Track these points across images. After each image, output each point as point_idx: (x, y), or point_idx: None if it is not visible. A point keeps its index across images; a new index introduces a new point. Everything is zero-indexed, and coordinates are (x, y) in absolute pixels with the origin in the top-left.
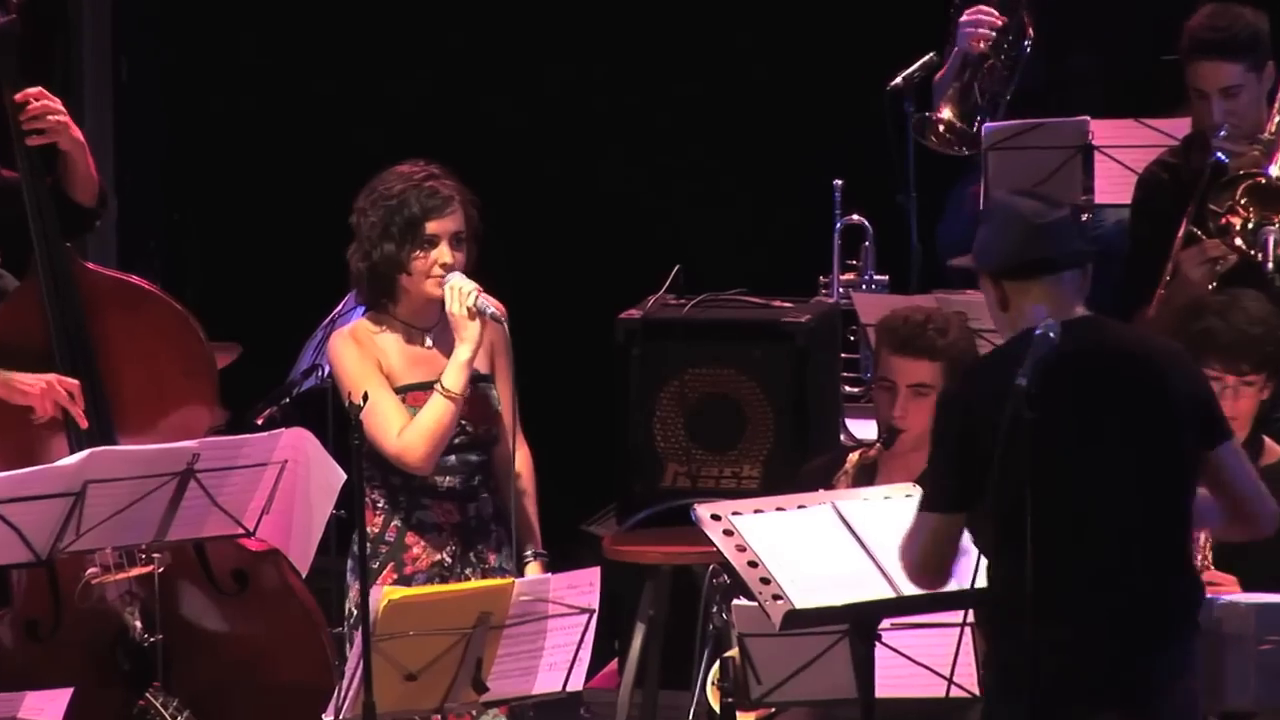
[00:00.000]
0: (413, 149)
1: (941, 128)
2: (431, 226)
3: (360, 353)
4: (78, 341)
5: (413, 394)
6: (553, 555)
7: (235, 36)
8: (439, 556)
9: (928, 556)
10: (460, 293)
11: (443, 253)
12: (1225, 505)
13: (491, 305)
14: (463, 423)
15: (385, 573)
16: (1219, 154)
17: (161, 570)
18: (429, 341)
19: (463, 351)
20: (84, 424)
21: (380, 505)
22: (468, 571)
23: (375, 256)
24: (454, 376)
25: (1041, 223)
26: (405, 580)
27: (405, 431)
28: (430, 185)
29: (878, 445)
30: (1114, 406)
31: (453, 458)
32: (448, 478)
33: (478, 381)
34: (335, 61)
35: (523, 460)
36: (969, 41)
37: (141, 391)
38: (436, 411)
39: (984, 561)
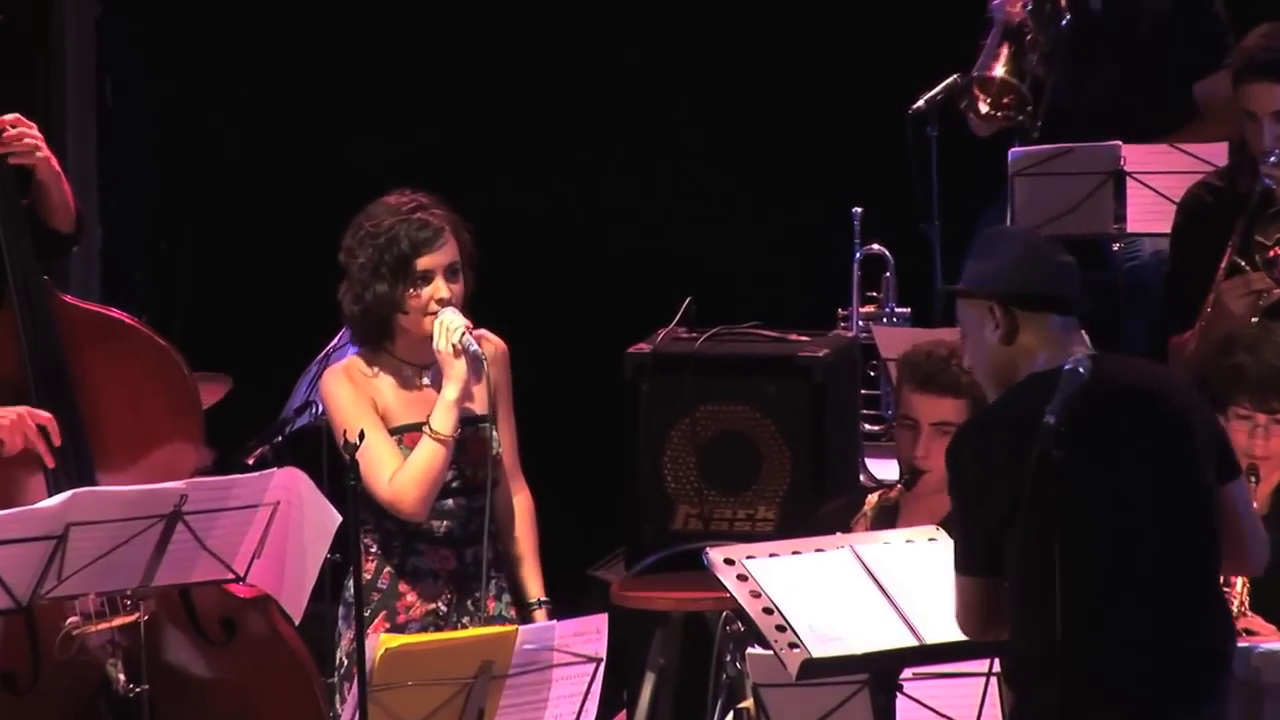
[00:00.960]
0: (411, 175)
1: (995, 87)
2: (424, 262)
3: (354, 391)
4: (55, 377)
5: (409, 435)
6: (558, 601)
7: (225, 58)
8: (433, 605)
9: (973, 618)
10: (447, 329)
11: (438, 288)
12: (1225, 542)
13: (477, 345)
14: (459, 466)
15: (377, 621)
16: (1267, 179)
17: (145, 619)
18: (426, 380)
19: (449, 391)
20: (50, 463)
21: (373, 550)
22: (464, 620)
23: (368, 298)
24: (441, 418)
25: (1060, 260)
26: (398, 629)
27: (396, 476)
28: (419, 218)
29: (899, 486)
30: (1139, 445)
31: (449, 501)
32: (444, 522)
33: (476, 423)
34: (329, 84)
35: (523, 504)
36: (1005, 10)
37: (123, 430)
38: (426, 455)
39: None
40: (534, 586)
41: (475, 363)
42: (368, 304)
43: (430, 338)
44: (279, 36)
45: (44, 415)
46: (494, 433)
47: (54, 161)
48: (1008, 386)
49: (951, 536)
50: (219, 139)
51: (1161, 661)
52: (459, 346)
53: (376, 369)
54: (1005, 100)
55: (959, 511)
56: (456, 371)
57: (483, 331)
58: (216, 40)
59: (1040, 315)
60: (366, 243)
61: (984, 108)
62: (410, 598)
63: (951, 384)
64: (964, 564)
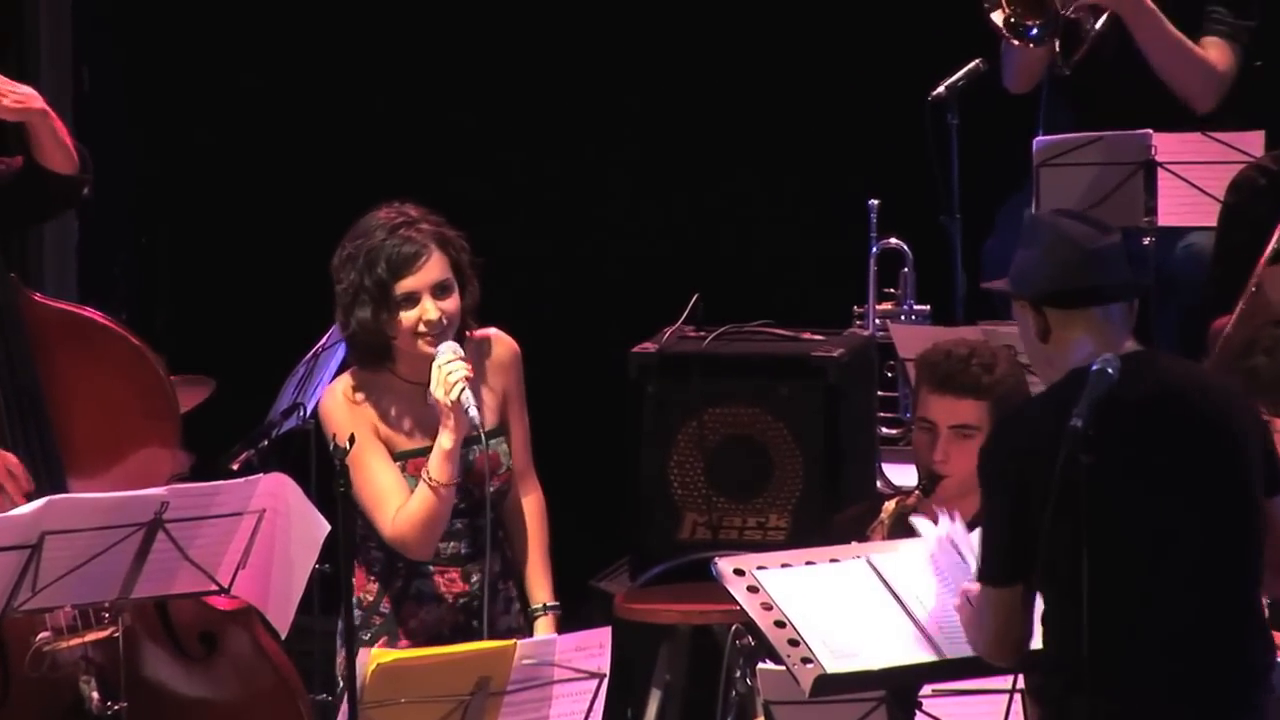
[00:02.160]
0: (406, 169)
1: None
2: (405, 285)
3: (353, 414)
4: (23, 380)
5: (414, 461)
6: (559, 614)
7: (209, 43)
8: (438, 631)
9: (997, 636)
10: (445, 379)
11: (425, 310)
12: (1268, 556)
13: (476, 406)
14: (466, 486)
15: (378, 645)
16: None
17: (121, 633)
18: (432, 398)
19: (445, 440)
20: (21, 502)
21: (375, 570)
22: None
23: (353, 325)
24: (439, 467)
25: (1092, 248)
26: None
27: (398, 517)
28: (400, 235)
29: (917, 493)
30: (1178, 451)
31: (456, 522)
32: (450, 543)
33: (488, 438)
34: (322, 73)
35: (533, 505)
36: None
37: (94, 435)
38: (427, 504)
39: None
40: (540, 591)
41: (509, 363)
42: (354, 331)
43: (427, 357)
44: (266, 17)
45: (13, 459)
46: (506, 445)
47: (34, 100)
48: (1052, 379)
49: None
50: (202, 128)
51: (1195, 676)
52: (457, 404)
53: (377, 390)
54: (1028, 18)
55: (989, 515)
56: (453, 423)
57: (494, 331)
58: (199, 24)
59: (1071, 311)
60: (348, 265)
61: (999, 16)
62: (414, 622)
63: (971, 385)
64: (991, 573)
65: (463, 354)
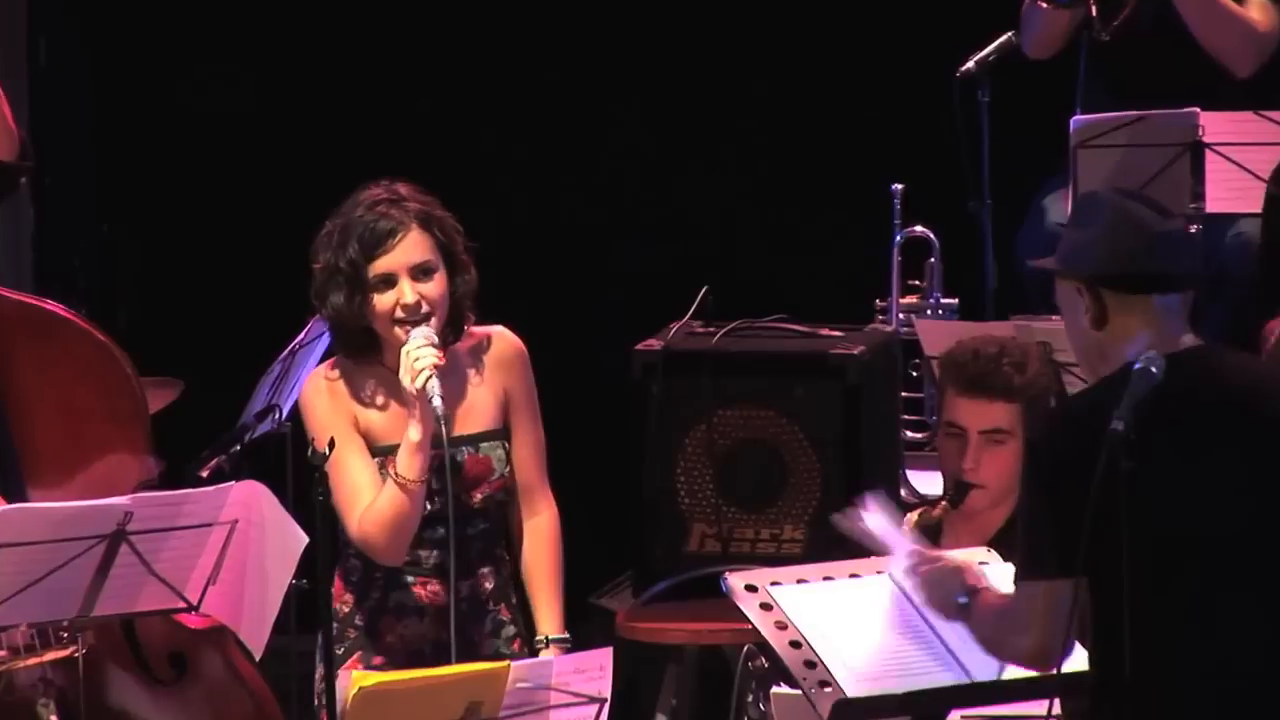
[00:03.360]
0: (393, 155)
1: None
2: (380, 265)
3: (333, 406)
4: None
5: (394, 457)
6: None
7: (181, 11)
8: (418, 647)
9: (1036, 634)
10: (413, 365)
11: (402, 292)
12: None
13: (440, 393)
14: (456, 493)
15: (350, 662)
16: None
17: (84, 653)
18: None
19: (413, 433)
20: None
21: (353, 580)
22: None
23: (328, 311)
24: (406, 463)
25: (1159, 230)
26: (373, 671)
27: (364, 516)
28: (378, 211)
29: (943, 503)
30: (1231, 455)
31: (441, 530)
32: (434, 552)
33: (480, 441)
34: (306, 49)
35: (543, 525)
36: None
37: (56, 439)
38: (394, 502)
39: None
40: (547, 621)
41: (515, 362)
42: (329, 318)
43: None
44: None
45: None
46: (502, 451)
47: None
48: (1101, 372)
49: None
50: (170, 106)
51: (1240, 697)
52: (422, 392)
53: (360, 380)
54: None
55: (1030, 511)
56: (421, 413)
57: (498, 328)
58: None
59: (1135, 297)
60: (324, 246)
61: None
62: (391, 638)
63: (1002, 386)
64: (1037, 566)
65: (435, 340)
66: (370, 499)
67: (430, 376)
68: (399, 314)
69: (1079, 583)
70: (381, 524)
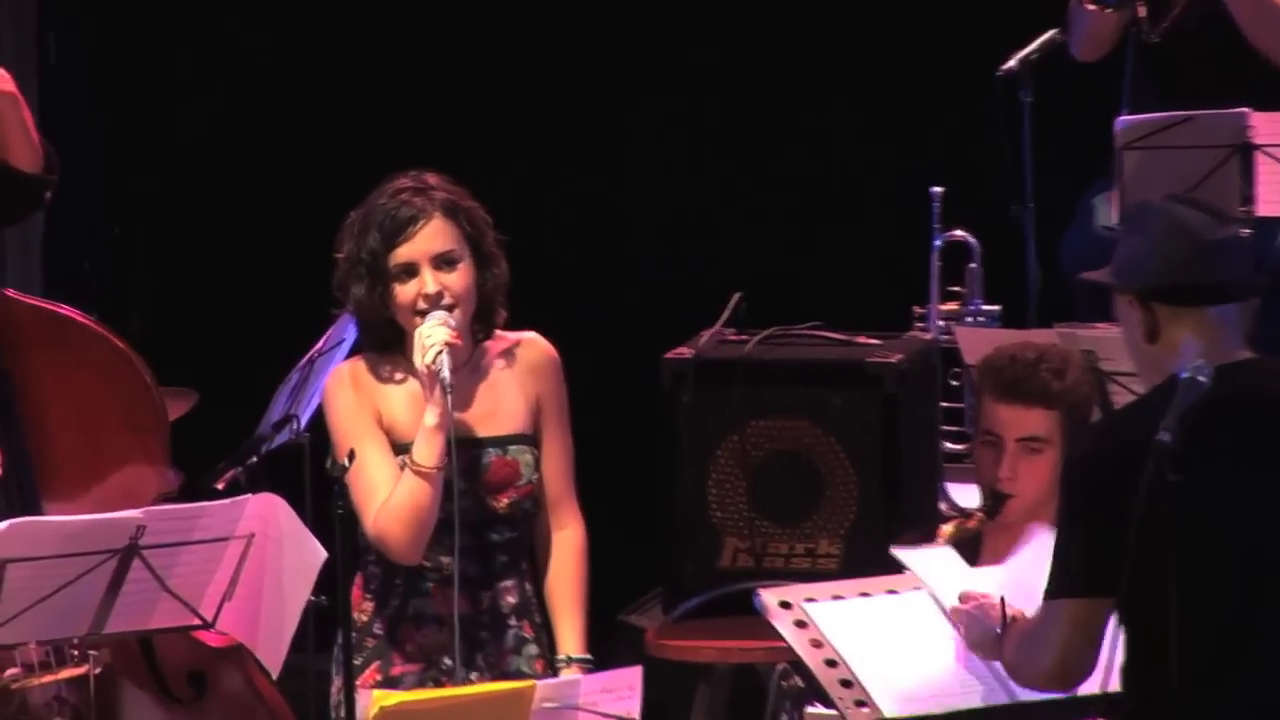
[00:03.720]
0: (416, 157)
1: None
2: (401, 254)
3: (356, 400)
4: None
5: None
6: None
7: (192, 8)
8: (437, 657)
9: (1067, 653)
10: (424, 343)
11: (424, 282)
12: None
13: (449, 369)
14: (479, 494)
15: (368, 673)
16: None
17: (99, 671)
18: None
19: (428, 417)
20: None
21: (372, 588)
22: (473, 677)
23: (350, 305)
24: (421, 448)
25: (1211, 239)
26: (391, 683)
27: (381, 511)
28: (401, 199)
29: (979, 515)
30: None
31: (464, 537)
32: (459, 559)
33: (508, 444)
34: (325, 47)
35: (570, 540)
36: None
37: (72, 449)
38: (410, 491)
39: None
40: (569, 639)
41: (546, 368)
42: (352, 309)
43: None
44: None
45: None
46: (531, 456)
47: (8, 83)
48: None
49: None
50: (183, 105)
51: None
52: (431, 368)
53: (391, 368)
54: None
55: (1066, 525)
56: (436, 394)
57: (530, 334)
58: None
59: (1187, 309)
60: (347, 235)
61: None
62: (410, 647)
63: (1040, 392)
64: (1066, 584)
65: (451, 322)
66: (387, 494)
67: (440, 352)
68: (420, 305)
69: (1101, 605)
70: (398, 517)
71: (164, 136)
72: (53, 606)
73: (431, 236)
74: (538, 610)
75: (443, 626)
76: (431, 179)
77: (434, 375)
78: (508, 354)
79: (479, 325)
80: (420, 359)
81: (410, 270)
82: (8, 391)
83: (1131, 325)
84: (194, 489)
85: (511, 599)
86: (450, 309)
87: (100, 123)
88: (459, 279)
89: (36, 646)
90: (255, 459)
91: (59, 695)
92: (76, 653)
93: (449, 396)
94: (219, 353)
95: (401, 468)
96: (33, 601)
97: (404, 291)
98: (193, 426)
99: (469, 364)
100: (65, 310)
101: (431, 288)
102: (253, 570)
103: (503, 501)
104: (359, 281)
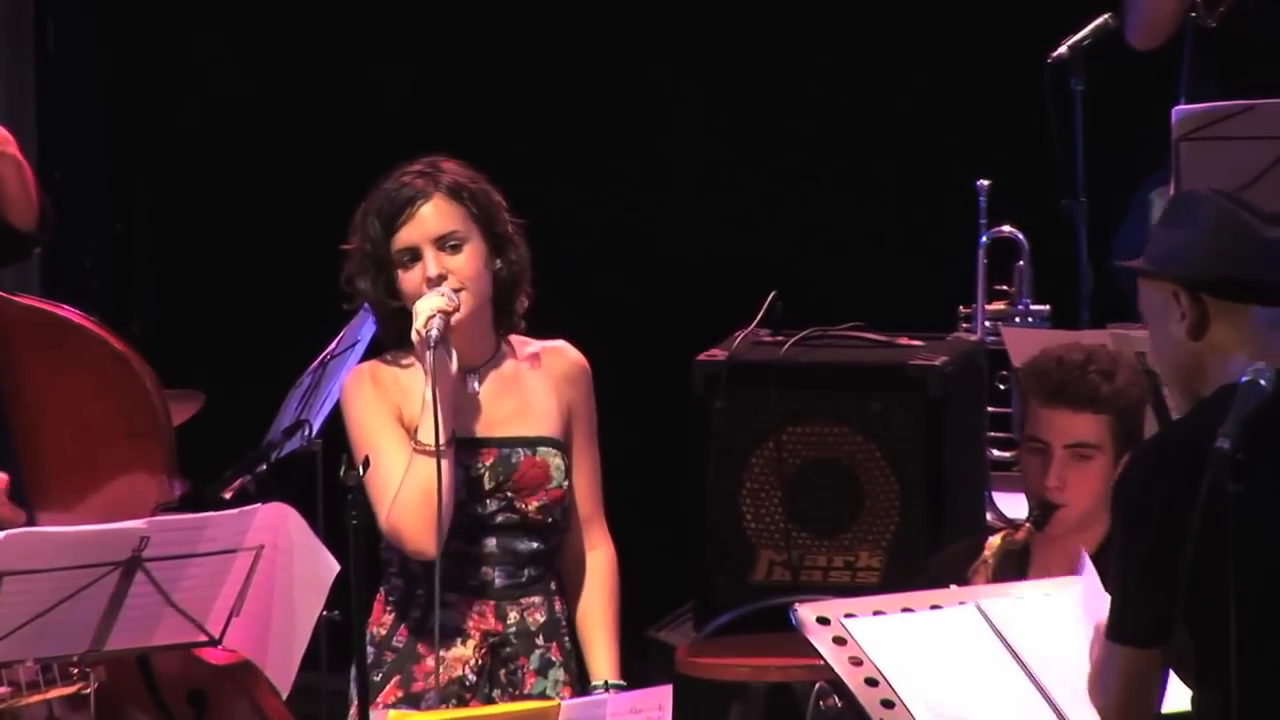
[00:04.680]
0: (436, 148)
1: None
2: (401, 238)
3: (376, 396)
4: None
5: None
6: None
7: None
8: (459, 672)
9: (1124, 699)
10: (417, 312)
11: (429, 264)
12: None
13: (439, 330)
14: (506, 496)
15: (388, 689)
16: None
17: (94, 690)
18: (474, 384)
19: (427, 392)
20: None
21: (393, 599)
22: (495, 694)
23: (359, 300)
24: (424, 425)
25: (1266, 236)
26: (412, 700)
27: (393, 505)
28: (403, 180)
29: (1027, 525)
30: None
31: (492, 541)
32: (484, 568)
33: (538, 445)
34: (337, 34)
35: (601, 561)
36: None
37: (68, 456)
38: (417, 475)
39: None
40: (602, 665)
41: (576, 375)
42: (362, 302)
43: (461, 333)
44: None
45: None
46: (561, 461)
47: (11, 146)
48: (1194, 390)
49: (1109, 593)
50: (188, 95)
51: None
52: (421, 334)
53: (407, 372)
54: None
55: (1123, 559)
56: (431, 365)
57: (561, 343)
58: None
59: (1238, 306)
60: (355, 227)
61: None
62: (431, 661)
63: (1089, 396)
64: (1126, 630)
65: (451, 294)
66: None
67: (433, 318)
68: (425, 290)
69: (1165, 652)
70: (408, 504)
71: (169, 128)
72: (51, 622)
73: (431, 217)
74: (568, 635)
75: (467, 642)
76: (445, 163)
77: (424, 343)
78: (537, 358)
79: (500, 316)
80: (413, 328)
81: (414, 254)
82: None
83: (1169, 321)
84: (200, 498)
85: (539, 616)
86: (457, 293)
87: (102, 114)
88: (465, 262)
89: (28, 665)
90: (265, 466)
91: (50, 715)
92: (74, 671)
93: (451, 359)
94: (226, 354)
95: None
96: (30, 616)
97: (408, 278)
98: (198, 432)
99: (493, 361)
100: (63, 310)
101: (433, 270)
102: (262, 584)
103: (532, 504)
104: (364, 273)
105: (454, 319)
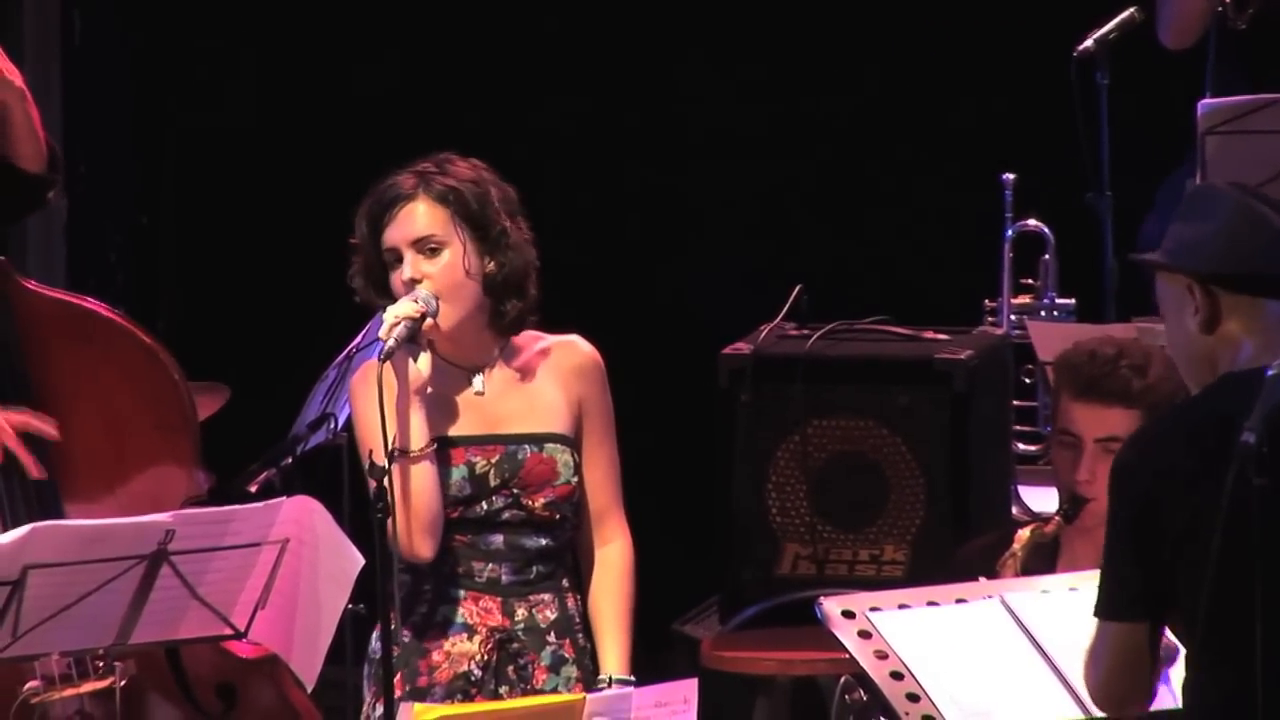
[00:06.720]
0: (459, 145)
1: None
2: (386, 238)
3: (385, 396)
4: (10, 383)
5: (454, 450)
6: (638, 663)
7: None
8: (465, 668)
9: (1111, 676)
10: (384, 320)
11: (405, 266)
12: None
13: (394, 336)
14: (514, 493)
15: (394, 684)
16: None
17: (124, 684)
18: (479, 384)
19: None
20: (37, 473)
21: (400, 595)
22: (503, 690)
23: (360, 301)
24: (400, 432)
25: None
26: (418, 694)
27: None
28: (393, 180)
29: (1056, 518)
30: None
31: (499, 537)
32: (491, 564)
33: (545, 441)
34: (366, 29)
35: (615, 555)
36: None
37: (95, 449)
38: (400, 483)
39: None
40: (612, 659)
41: (589, 369)
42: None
43: (466, 334)
44: None
45: (18, 418)
46: (570, 458)
47: (16, 77)
48: (1207, 383)
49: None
50: (213, 89)
51: None
52: (384, 340)
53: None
54: None
55: (1113, 539)
56: (401, 371)
57: (572, 337)
58: None
59: (1251, 300)
60: (355, 224)
61: None
62: (437, 656)
63: (1120, 390)
64: (1111, 605)
65: (423, 299)
66: None
67: (396, 325)
68: (403, 293)
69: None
70: (399, 513)
71: (195, 121)
72: (77, 615)
73: (410, 220)
74: (583, 632)
75: (473, 636)
76: (450, 162)
77: (387, 345)
78: (545, 354)
79: (493, 320)
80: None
81: (397, 255)
82: (27, 389)
83: (1183, 315)
84: (225, 491)
85: (550, 613)
86: (437, 298)
87: (127, 107)
88: (441, 267)
89: (58, 659)
90: (290, 460)
91: (81, 710)
92: (101, 664)
93: (419, 363)
94: (252, 348)
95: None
96: (56, 610)
97: (394, 280)
98: (224, 425)
99: (498, 359)
100: (89, 303)
101: (408, 273)
102: (287, 577)
103: (539, 502)
104: (359, 270)
105: (429, 325)
